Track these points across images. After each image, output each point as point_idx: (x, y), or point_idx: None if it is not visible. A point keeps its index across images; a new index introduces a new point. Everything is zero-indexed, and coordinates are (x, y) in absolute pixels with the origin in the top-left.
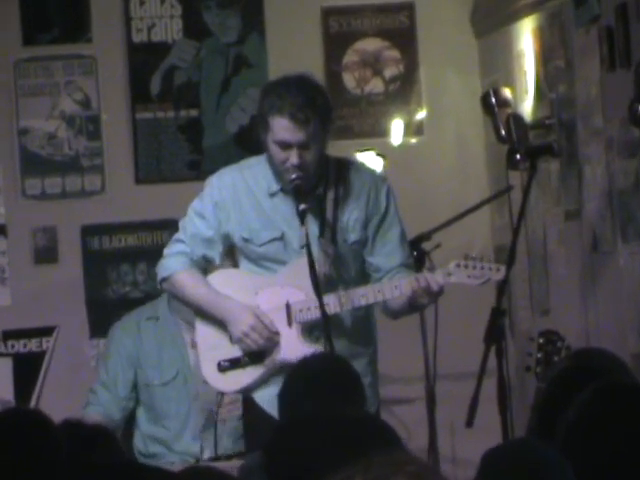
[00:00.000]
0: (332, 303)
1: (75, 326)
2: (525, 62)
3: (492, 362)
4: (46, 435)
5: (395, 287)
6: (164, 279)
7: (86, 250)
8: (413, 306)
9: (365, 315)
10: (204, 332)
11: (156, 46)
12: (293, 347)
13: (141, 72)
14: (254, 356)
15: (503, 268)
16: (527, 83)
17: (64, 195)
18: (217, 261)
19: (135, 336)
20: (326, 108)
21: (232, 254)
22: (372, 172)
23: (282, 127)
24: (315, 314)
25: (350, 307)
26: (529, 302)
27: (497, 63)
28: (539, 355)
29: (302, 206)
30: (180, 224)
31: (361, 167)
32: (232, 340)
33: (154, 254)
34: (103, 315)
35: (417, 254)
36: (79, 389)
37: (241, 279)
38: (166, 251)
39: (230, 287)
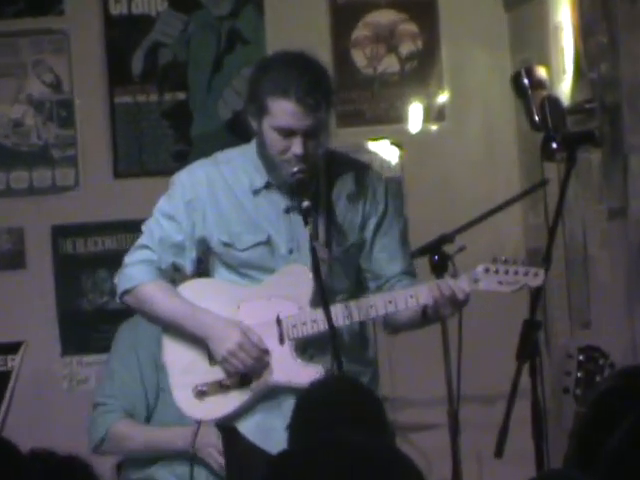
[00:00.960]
0: (340, 315)
1: (45, 342)
2: (562, 37)
3: (525, 382)
4: (11, 467)
5: (411, 296)
6: (127, 291)
7: (58, 254)
8: (429, 318)
9: (359, 330)
10: (175, 352)
11: (137, 19)
12: (286, 367)
13: (120, 50)
14: (238, 379)
15: (542, 272)
16: (564, 61)
17: (32, 191)
18: (188, 270)
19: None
20: (331, 91)
21: (199, 261)
22: (367, 168)
23: (286, 111)
24: (312, 329)
25: (359, 319)
26: (567, 313)
27: (530, 39)
28: (579, 374)
29: (306, 203)
30: (144, 227)
31: (355, 162)
32: (214, 360)
33: None
34: (77, 329)
35: (438, 258)
36: (49, 413)
37: (219, 290)
38: (127, 259)
39: (206, 300)
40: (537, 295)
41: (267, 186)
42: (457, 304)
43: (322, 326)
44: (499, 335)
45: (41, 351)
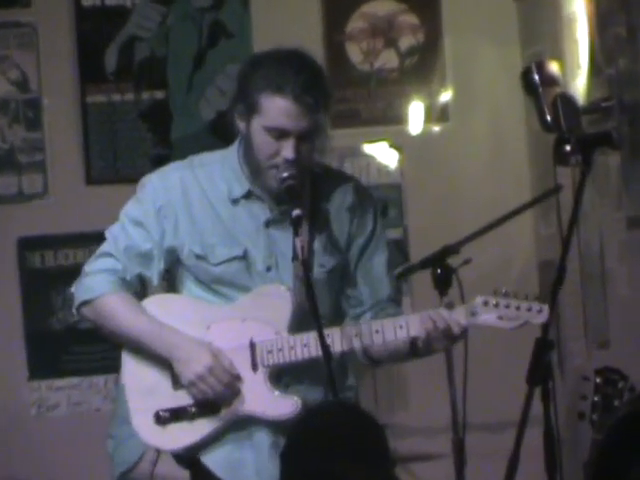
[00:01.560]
0: (336, 340)
1: (11, 365)
2: (576, 29)
3: (537, 408)
4: None
5: (400, 326)
6: (85, 302)
7: (24, 269)
8: (418, 352)
9: (338, 358)
10: (135, 373)
11: (111, 11)
12: (260, 397)
13: (92, 44)
14: (205, 406)
15: (546, 309)
16: (579, 55)
17: None
18: (155, 282)
19: None
20: (328, 90)
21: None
22: (357, 184)
23: (281, 111)
24: (289, 357)
25: (341, 349)
26: (583, 332)
27: (541, 31)
28: (596, 398)
29: (297, 211)
30: (107, 233)
31: (343, 176)
32: (179, 383)
33: None
34: (46, 351)
35: (441, 272)
36: (15, 442)
37: (187, 308)
38: (87, 267)
39: (173, 318)
40: (549, 312)
41: (247, 195)
42: (451, 338)
43: (300, 354)
44: (508, 356)
45: (7, 375)
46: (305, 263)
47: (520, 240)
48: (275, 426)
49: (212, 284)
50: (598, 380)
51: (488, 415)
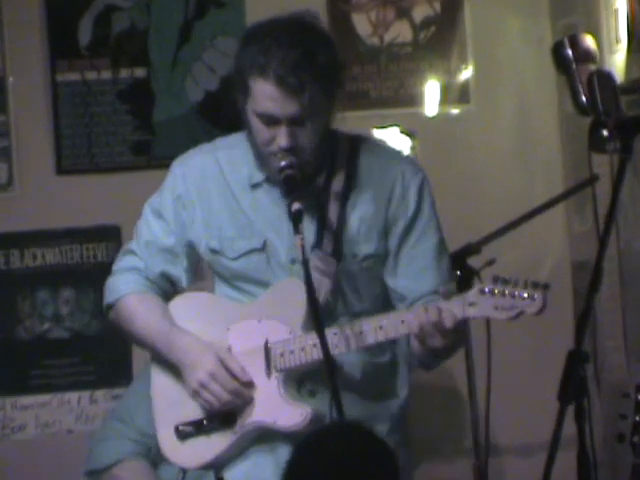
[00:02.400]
0: (336, 341)
1: None
2: None
3: (569, 428)
4: None
5: (402, 322)
6: (110, 306)
7: None
8: (429, 350)
9: (387, 361)
10: (161, 382)
11: None
12: (271, 404)
13: (64, 15)
14: (218, 417)
15: (539, 296)
16: (617, 28)
17: None
18: (184, 282)
19: None
20: (331, 66)
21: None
22: (401, 158)
23: (266, 95)
24: (300, 359)
25: (355, 347)
26: (622, 343)
27: (575, 0)
28: (637, 418)
29: (296, 205)
30: (135, 228)
31: (386, 149)
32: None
33: (85, 275)
34: (11, 364)
35: (461, 274)
36: None
37: (211, 307)
38: (114, 266)
39: (195, 319)
40: (584, 319)
41: (268, 179)
42: (446, 334)
43: (310, 355)
44: (537, 370)
45: None
46: (306, 263)
47: (551, 238)
48: (297, 439)
49: (233, 280)
50: None
51: (514, 437)
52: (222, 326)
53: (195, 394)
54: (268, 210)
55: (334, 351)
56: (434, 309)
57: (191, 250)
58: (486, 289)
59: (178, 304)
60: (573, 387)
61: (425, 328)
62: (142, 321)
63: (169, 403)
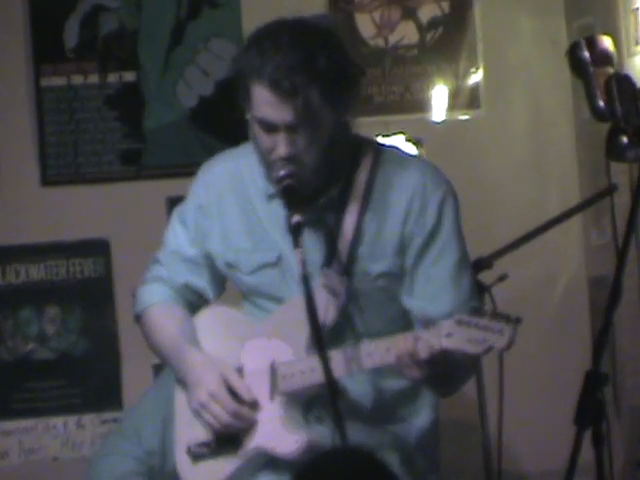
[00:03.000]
0: (340, 366)
1: None
2: None
3: (587, 453)
4: None
5: (387, 349)
6: (138, 317)
7: None
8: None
9: (406, 383)
10: (181, 400)
11: None
12: (271, 430)
13: (49, 15)
14: (225, 440)
15: (507, 330)
16: (637, 29)
17: None
18: (209, 294)
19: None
20: (335, 70)
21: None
22: (424, 170)
23: (262, 100)
24: (303, 382)
25: (356, 371)
26: None
27: (591, 0)
28: None
29: (296, 218)
30: (164, 235)
31: (410, 160)
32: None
33: (72, 293)
34: None
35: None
36: None
37: (231, 323)
38: (146, 275)
39: (216, 334)
40: (602, 339)
41: None
42: (420, 365)
43: (311, 379)
44: (552, 393)
45: None
46: (306, 279)
47: (567, 252)
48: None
49: (250, 296)
50: None
51: (528, 463)
52: (238, 343)
53: (196, 414)
54: (283, 222)
55: (341, 372)
56: (411, 338)
57: (212, 262)
58: (463, 319)
59: (202, 318)
60: (591, 410)
61: (402, 359)
62: (160, 335)
63: (185, 422)
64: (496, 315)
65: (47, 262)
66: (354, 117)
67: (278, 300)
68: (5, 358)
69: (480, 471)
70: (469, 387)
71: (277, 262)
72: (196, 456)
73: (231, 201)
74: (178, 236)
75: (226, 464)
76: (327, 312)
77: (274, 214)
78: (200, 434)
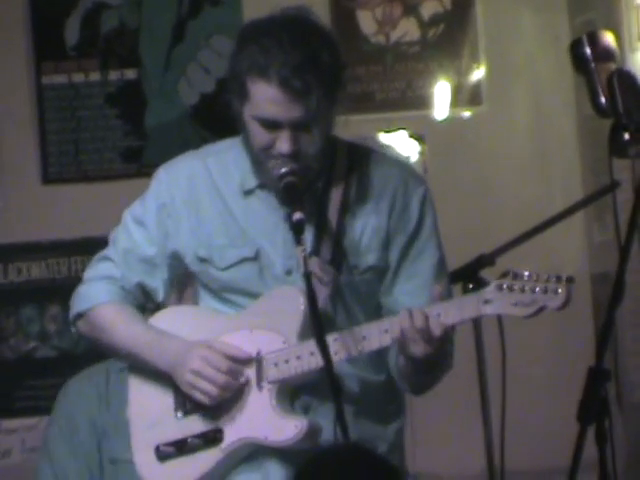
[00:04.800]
0: (337, 347)
1: None
2: None
3: (590, 451)
4: None
5: (385, 331)
6: (80, 315)
7: None
8: (412, 361)
9: (385, 379)
10: (140, 403)
11: None
12: (261, 420)
13: (50, 13)
14: (206, 435)
15: (563, 289)
16: (639, 25)
17: None
18: (160, 296)
19: (103, 389)
20: (335, 67)
21: (181, 285)
22: (402, 166)
23: (268, 98)
24: (296, 368)
25: (356, 354)
26: None
27: None
28: None
29: (297, 215)
30: (110, 236)
31: (385, 156)
32: (183, 408)
33: (74, 291)
34: None
35: (473, 288)
36: None
37: (199, 320)
38: (86, 274)
39: (187, 331)
40: (605, 335)
41: (262, 186)
42: (431, 341)
43: (307, 364)
44: (555, 389)
45: None
46: (308, 276)
47: (569, 248)
48: (289, 458)
49: (222, 292)
50: None
51: (531, 461)
52: (211, 338)
53: (191, 387)
54: (262, 218)
55: (334, 357)
56: (420, 314)
57: (174, 261)
58: (504, 285)
59: (161, 318)
60: (594, 407)
61: (408, 334)
62: (124, 331)
63: (148, 424)
64: (545, 277)
65: (49, 260)
66: (340, 114)
67: (253, 295)
68: (7, 356)
69: (483, 468)
70: (472, 384)
71: (256, 257)
72: (166, 455)
73: (202, 197)
74: (133, 236)
75: (205, 460)
76: (318, 299)
77: (250, 210)
78: (169, 433)
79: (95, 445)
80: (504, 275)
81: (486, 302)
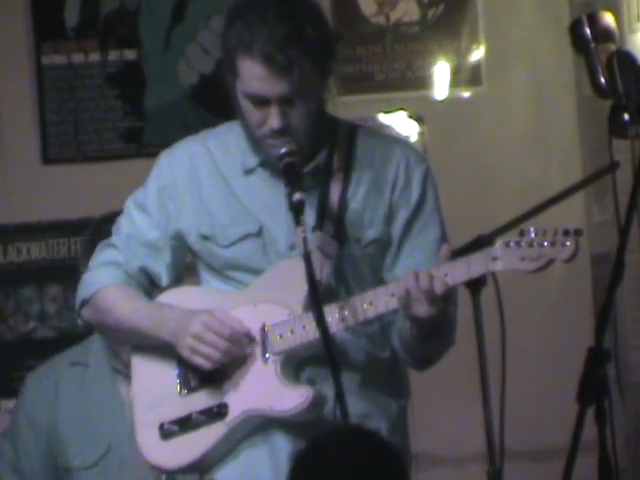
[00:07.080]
0: (333, 320)
1: None
2: None
3: (590, 431)
4: None
5: (392, 295)
6: (85, 301)
7: None
8: (417, 324)
9: (389, 355)
10: (144, 378)
11: None
12: (266, 390)
13: None
14: (210, 410)
15: (571, 243)
16: (639, 6)
17: None
18: (164, 280)
19: (52, 392)
20: (322, 40)
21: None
22: (404, 143)
23: (254, 75)
24: (302, 338)
25: (363, 320)
26: None
27: None
28: None
29: (297, 195)
30: (115, 224)
31: (386, 136)
32: (186, 384)
33: (73, 271)
34: None
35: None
36: None
37: (203, 299)
38: (91, 262)
39: (191, 308)
40: (604, 316)
41: (263, 164)
42: (433, 301)
43: (314, 334)
44: (555, 370)
45: None
46: (308, 256)
47: None
48: (295, 432)
49: (225, 270)
50: None
51: (530, 441)
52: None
53: (192, 353)
54: (264, 195)
55: (340, 325)
56: (425, 274)
57: (178, 243)
58: (511, 242)
59: (169, 296)
60: (593, 387)
61: (413, 294)
62: (127, 306)
63: (151, 403)
64: (552, 231)
65: (48, 241)
66: (337, 87)
67: (256, 272)
68: (6, 337)
69: (482, 448)
70: (471, 363)
71: (259, 233)
72: (170, 434)
73: (203, 177)
74: (135, 221)
75: (210, 434)
76: (320, 274)
77: (252, 188)
78: (173, 411)
79: (48, 448)
80: (519, 233)
81: (494, 259)
